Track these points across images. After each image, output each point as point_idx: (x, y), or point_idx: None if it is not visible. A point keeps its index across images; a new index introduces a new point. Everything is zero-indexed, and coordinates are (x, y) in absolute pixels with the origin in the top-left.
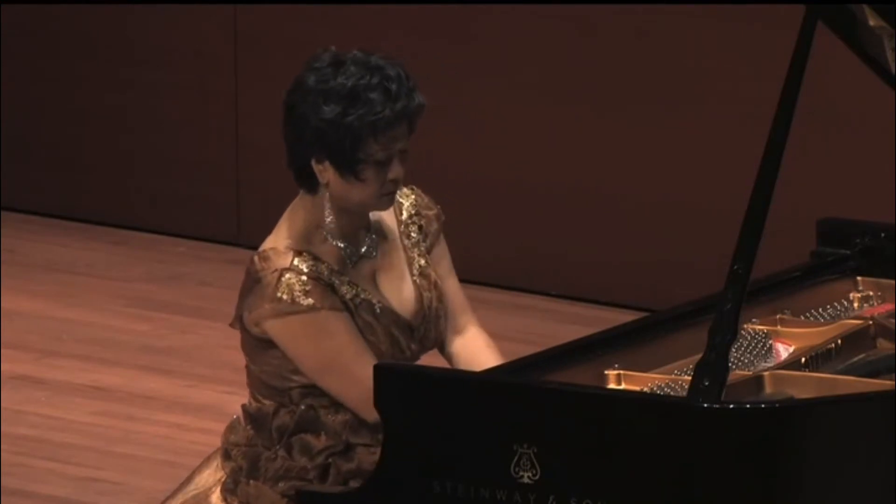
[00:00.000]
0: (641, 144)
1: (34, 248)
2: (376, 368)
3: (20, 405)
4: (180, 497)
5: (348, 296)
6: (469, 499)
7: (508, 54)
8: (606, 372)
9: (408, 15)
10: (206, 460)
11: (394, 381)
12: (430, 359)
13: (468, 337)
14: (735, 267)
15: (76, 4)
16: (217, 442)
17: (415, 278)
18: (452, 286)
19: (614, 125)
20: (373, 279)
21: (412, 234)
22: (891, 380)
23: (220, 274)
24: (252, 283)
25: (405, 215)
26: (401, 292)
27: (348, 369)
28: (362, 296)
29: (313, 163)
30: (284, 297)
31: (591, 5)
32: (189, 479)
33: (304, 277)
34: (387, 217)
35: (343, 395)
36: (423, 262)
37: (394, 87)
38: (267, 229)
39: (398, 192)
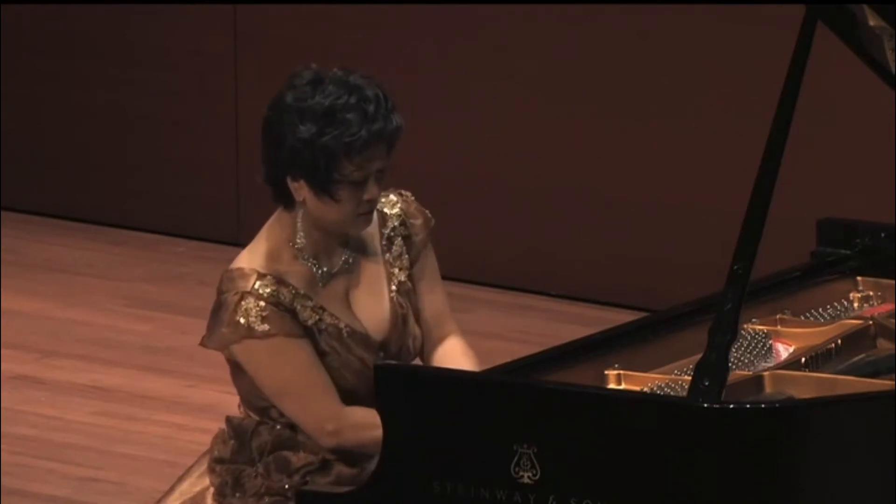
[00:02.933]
0: (641, 144)
1: (34, 248)
2: (376, 368)
3: (20, 405)
4: (178, 497)
5: (310, 321)
6: (469, 499)
7: (509, 54)
8: (606, 372)
9: (407, 15)
10: (195, 464)
11: (394, 380)
12: None
13: (446, 346)
14: (735, 267)
15: (76, 4)
16: None
17: (392, 294)
18: (437, 297)
19: (615, 125)
20: (345, 298)
21: (394, 247)
22: (891, 380)
23: (219, 274)
24: (217, 305)
25: (388, 227)
26: (374, 310)
27: (302, 397)
28: (328, 320)
29: (289, 181)
30: (241, 321)
31: (591, 5)
32: (182, 479)
33: (263, 303)
34: (368, 229)
35: (298, 420)
36: (402, 277)
37: (371, 108)
38: None
39: (383, 200)
